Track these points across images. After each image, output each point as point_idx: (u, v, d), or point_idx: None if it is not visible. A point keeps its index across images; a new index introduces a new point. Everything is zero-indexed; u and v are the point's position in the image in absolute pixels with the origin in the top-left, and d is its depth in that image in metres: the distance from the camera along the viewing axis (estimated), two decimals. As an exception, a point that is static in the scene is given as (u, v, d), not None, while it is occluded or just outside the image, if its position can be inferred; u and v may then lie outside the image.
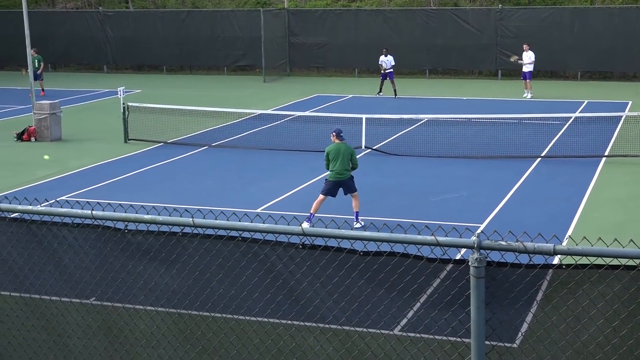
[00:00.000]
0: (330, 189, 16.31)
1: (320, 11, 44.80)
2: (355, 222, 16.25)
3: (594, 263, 5.18)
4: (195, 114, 28.05)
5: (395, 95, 35.08)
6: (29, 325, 6.77)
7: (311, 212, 16.26)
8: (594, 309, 5.20)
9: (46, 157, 23.42)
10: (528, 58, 33.85)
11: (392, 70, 35.41)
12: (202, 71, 46.33)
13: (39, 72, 35.98)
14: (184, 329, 6.26)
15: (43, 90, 36.74)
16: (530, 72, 34.02)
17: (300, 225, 5.77)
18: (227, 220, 5.89)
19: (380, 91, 35.91)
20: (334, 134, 16.57)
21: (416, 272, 5.51)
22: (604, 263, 5.18)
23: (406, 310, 5.63)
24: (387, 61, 35.30)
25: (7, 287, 6.78)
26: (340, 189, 16.48)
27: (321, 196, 16.29)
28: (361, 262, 5.64)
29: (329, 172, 16.46)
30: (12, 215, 6.67)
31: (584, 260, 5.22)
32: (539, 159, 22.68)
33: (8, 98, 36.22)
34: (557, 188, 19.68)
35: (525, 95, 34.16)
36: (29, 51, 27.53)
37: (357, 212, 16.40)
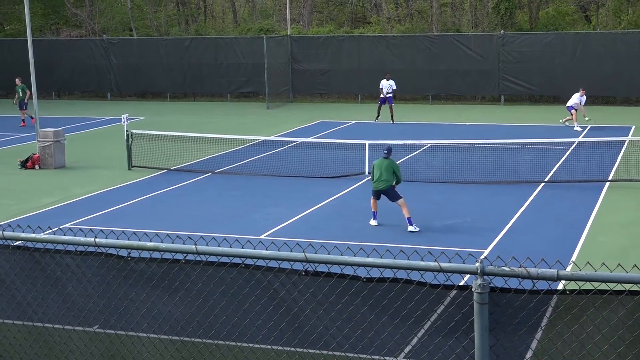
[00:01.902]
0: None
1: (322, 38, 44.99)
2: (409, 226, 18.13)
3: (598, 288, 5.16)
4: (198, 141, 28.11)
5: (393, 121, 35.11)
6: (32, 354, 6.75)
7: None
8: (598, 335, 5.18)
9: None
10: (578, 100, 32.64)
11: (391, 95, 35.44)
12: (206, 98, 46.49)
13: (25, 100, 36.08)
14: (187, 357, 6.24)
15: (24, 120, 36.55)
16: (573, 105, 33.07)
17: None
18: (230, 247, 5.89)
19: (378, 116, 35.95)
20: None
21: (419, 299, 5.49)
22: (608, 288, 5.16)
23: (410, 337, 5.61)
24: (388, 85, 35.34)
25: (10, 315, 6.76)
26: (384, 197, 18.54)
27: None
28: (364, 288, 5.63)
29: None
30: (15, 243, 6.67)
31: (588, 286, 5.21)
32: (542, 184, 22.66)
33: (13, 126, 36.33)
34: (560, 213, 19.65)
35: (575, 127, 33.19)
36: (34, 79, 27.63)
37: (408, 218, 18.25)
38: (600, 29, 45.81)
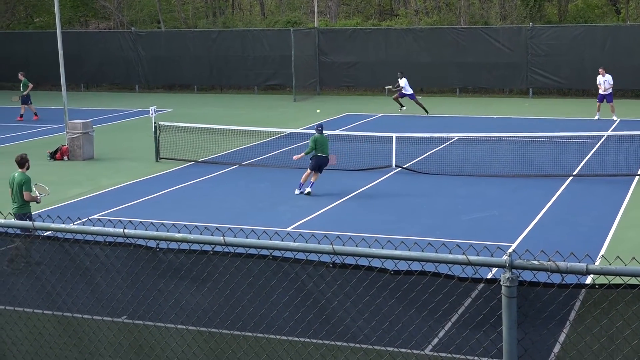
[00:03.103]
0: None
1: (350, 30, 44.92)
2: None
3: (628, 283, 5.12)
4: (225, 133, 28.17)
5: (401, 107, 35.98)
6: (61, 343, 6.81)
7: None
8: (628, 330, 5.14)
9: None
10: (606, 82, 33.00)
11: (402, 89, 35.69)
12: (233, 90, 46.56)
13: (24, 94, 35.95)
14: (214, 348, 6.27)
15: (22, 115, 36.27)
16: (610, 94, 33.19)
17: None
18: (258, 238, 5.90)
19: (402, 106, 36.08)
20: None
21: (447, 292, 5.48)
22: (638, 283, 5.12)
23: (437, 329, 5.60)
24: (404, 84, 35.60)
25: (40, 305, 6.83)
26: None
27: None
28: (392, 281, 5.62)
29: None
30: (45, 234, 6.73)
31: (617, 280, 5.17)
32: (570, 177, 22.51)
33: (42, 117, 36.59)
34: (589, 207, 19.52)
35: (613, 117, 33.11)
36: (63, 71, 27.79)
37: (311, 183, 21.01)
38: (630, 21, 45.35)
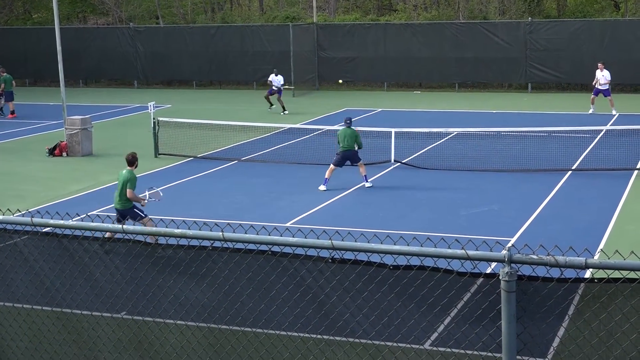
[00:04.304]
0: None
1: (349, 25, 44.89)
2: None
3: (627, 277, 5.12)
4: (224, 129, 28.17)
5: (271, 106, 35.88)
6: (60, 339, 6.81)
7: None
8: (627, 324, 5.14)
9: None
10: (603, 77, 33.24)
11: (279, 88, 35.64)
12: (232, 86, 46.54)
13: (1, 91, 35.44)
14: (214, 343, 6.27)
15: (13, 112, 35.70)
16: (608, 89, 33.35)
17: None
18: (257, 234, 5.90)
19: (271, 105, 36.12)
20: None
21: (446, 286, 5.48)
22: (637, 277, 5.12)
23: (436, 324, 5.60)
24: (277, 81, 35.66)
25: (39, 301, 6.83)
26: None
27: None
28: (391, 275, 5.63)
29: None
30: (44, 230, 6.73)
31: (616, 274, 5.17)
32: (569, 172, 22.52)
33: (40, 113, 36.57)
34: (588, 201, 19.53)
35: (613, 112, 33.31)
36: (61, 67, 27.76)
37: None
38: (629, 16, 45.33)
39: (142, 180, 22.70)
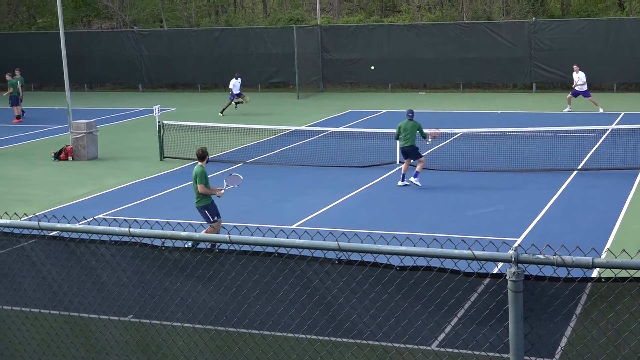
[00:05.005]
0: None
1: (353, 27, 44.90)
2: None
3: (634, 276, 5.12)
4: (229, 131, 28.19)
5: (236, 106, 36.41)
6: (68, 343, 6.82)
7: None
8: (634, 323, 5.14)
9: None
10: (579, 79, 33.68)
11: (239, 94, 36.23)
12: (236, 88, 46.51)
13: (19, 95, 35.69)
14: (221, 346, 6.28)
15: (18, 116, 35.81)
16: (586, 90, 33.88)
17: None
18: (263, 236, 5.90)
19: (227, 108, 36.47)
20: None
21: (453, 287, 5.48)
22: (644, 276, 5.12)
23: (444, 325, 5.60)
24: (236, 85, 36.18)
25: (47, 305, 6.84)
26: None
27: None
28: (398, 277, 5.63)
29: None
30: (51, 234, 6.74)
31: (623, 273, 5.16)
32: (575, 171, 22.49)
33: (46, 118, 36.64)
34: (594, 201, 19.50)
35: (566, 109, 34.04)
36: (66, 71, 27.81)
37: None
38: (634, 15, 45.27)
39: (147, 183, 22.76)
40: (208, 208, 15.93)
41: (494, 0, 47.71)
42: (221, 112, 35.79)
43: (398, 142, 21.93)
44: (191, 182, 16.30)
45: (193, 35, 47.04)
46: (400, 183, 21.20)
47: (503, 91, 42.13)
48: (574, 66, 34.34)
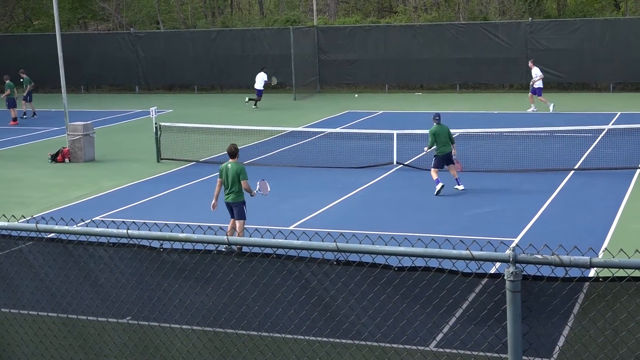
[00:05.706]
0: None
1: (349, 28, 44.91)
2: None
3: (632, 275, 5.13)
4: (226, 133, 28.17)
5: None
6: (66, 345, 6.82)
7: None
8: (632, 322, 5.15)
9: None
10: (535, 75, 33.92)
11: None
12: (233, 90, 46.54)
13: (25, 94, 35.90)
14: (219, 347, 6.28)
15: (15, 119, 35.89)
16: (540, 88, 34.06)
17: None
18: (261, 237, 5.91)
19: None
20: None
21: (451, 287, 5.49)
22: (642, 275, 5.13)
23: (442, 325, 5.60)
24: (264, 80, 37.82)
25: (45, 307, 6.84)
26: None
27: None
28: (396, 277, 5.63)
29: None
30: (49, 236, 6.73)
31: (621, 273, 5.17)
32: (572, 171, 22.51)
33: (42, 120, 36.60)
34: (591, 200, 19.53)
35: (532, 109, 34.30)
36: (62, 73, 27.79)
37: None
38: (630, 15, 45.32)
39: (145, 185, 22.75)
40: (245, 204, 16.06)
41: (490, 0, 47.73)
42: (255, 105, 37.41)
43: (430, 149, 20.93)
44: (221, 177, 16.13)
45: (189, 36, 47.03)
46: (460, 187, 20.54)
47: (500, 91, 42.16)
48: (529, 62, 34.93)
